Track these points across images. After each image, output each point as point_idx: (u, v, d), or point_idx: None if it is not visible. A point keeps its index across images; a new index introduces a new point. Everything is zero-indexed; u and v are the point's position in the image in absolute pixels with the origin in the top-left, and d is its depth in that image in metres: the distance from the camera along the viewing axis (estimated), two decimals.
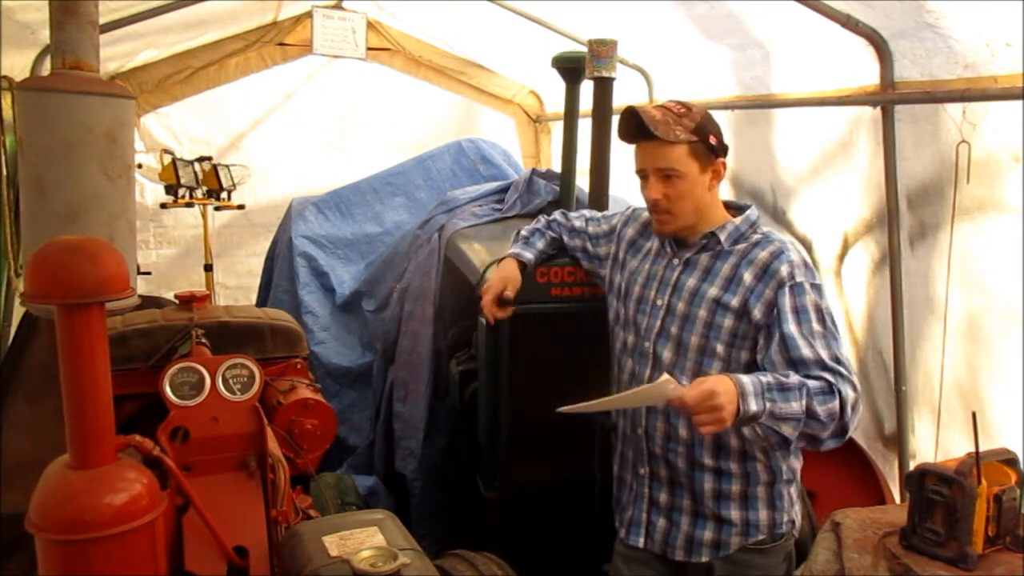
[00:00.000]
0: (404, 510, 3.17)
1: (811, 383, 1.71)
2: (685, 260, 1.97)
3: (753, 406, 1.65)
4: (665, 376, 1.69)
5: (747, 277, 1.87)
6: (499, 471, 2.57)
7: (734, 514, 1.94)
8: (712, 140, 1.89)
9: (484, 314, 2.23)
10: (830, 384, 1.72)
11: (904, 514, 1.85)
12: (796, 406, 1.68)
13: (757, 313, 1.84)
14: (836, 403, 1.71)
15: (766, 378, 1.70)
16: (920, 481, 1.80)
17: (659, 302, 1.98)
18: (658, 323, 1.97)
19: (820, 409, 1.69)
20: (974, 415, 1.78)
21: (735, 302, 1.86)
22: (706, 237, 1.95)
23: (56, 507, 1.35)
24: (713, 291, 1.90)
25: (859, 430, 3.10)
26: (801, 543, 2.38)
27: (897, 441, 2.90)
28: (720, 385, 1.64)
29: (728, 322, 1.87)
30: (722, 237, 1.93)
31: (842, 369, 1.75)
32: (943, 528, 1.75)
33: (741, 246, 1.92)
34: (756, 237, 1.93)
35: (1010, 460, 1.83)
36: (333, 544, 1.56)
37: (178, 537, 1.73)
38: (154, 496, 1.44)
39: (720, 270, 1.91)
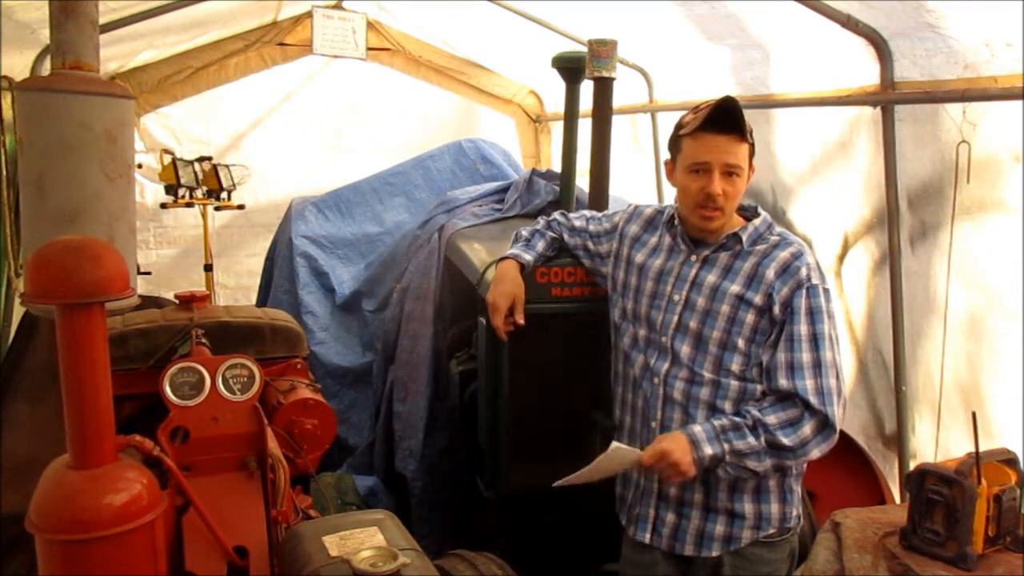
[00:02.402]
0: (404, 510, 3.17)
1: (771, 419, 1.83)
2: (703, 257, 1.99)
3: (708, 450, 1.82)
4: (614, 443, 1.89)
5: (770, 274, 1.90)
6: (499, 471, 2.57)
7: (747, 507, 1.97)
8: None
9: (495, 329, 2.24)
10: (800, 414, 1.83)
11: (904, 514, 1.85)
12: (753, 441, 1.82)
13: (776, 309, 1.88)
14: (807, 427, 1.83)
15: (720, 422, 1.85)
16: (920, 481, 1.80)
17: (676, 297, 1.99)
18: (675, 318, 1.98)
19: (787, 440, 1.82)
20: (974, 415, 1.79)
21: (758, 299, 1.90)
22: (727, 237, 1.97)
23: (56, 507, 1.35)
24: (735, 288, 1.92)
25: (859, 430, 3.10)
26: (801, 543, 2.38)
27: (897, 441, 2.90)
28: (673, 443, 1.83)
29: (750, 318, 1.90)
30: (743, 237, 1.95)
31: (831, 378, 1.86)
32: (943, 528, 1.75)
33: (761, 246, 1.95)
34: (774, 238, 1.97)
35: (1010, 460, 1.83)
36: (333, 544, 1.55)
37: (178, 537, 1.73)
38: (154, 496, 1.44)
39: (741, 268, 1.94)
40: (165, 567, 1.52)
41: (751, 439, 1.82)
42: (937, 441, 2.73)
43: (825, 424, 1.83)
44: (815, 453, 1.85)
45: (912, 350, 2.81)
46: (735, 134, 1.87)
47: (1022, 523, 1.81)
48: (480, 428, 2.65)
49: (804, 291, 1.87)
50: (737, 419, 1.85)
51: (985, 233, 2.45)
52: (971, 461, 1.75)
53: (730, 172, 1.89)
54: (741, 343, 1.91)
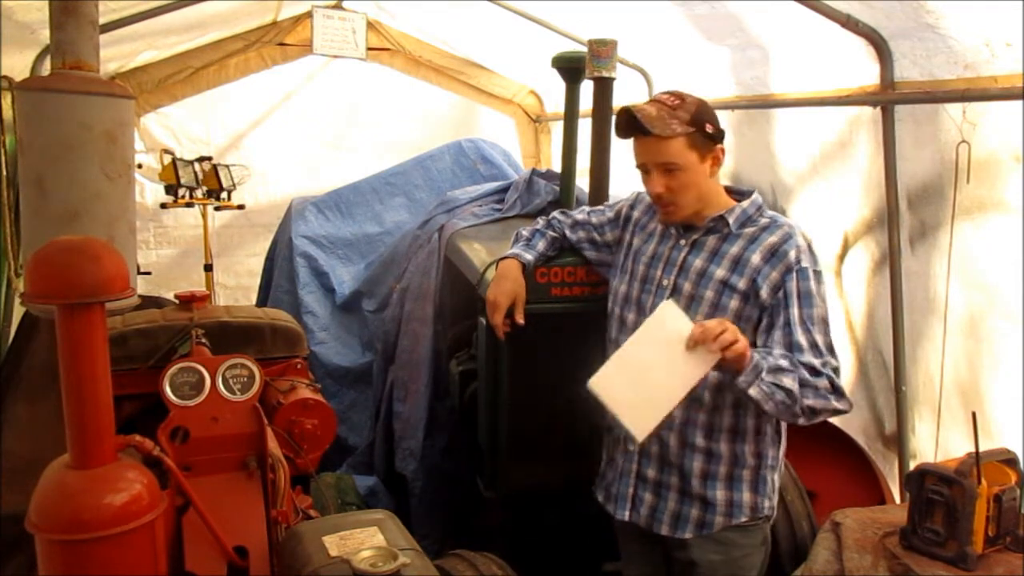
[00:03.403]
0: (404, 510, 3.17)
1: (801, 359, 1.84)
2: (692, 241, 2.01)
3: (755, 355, 1.78)
4: (669, 302, 1.81)
5: (755, 259, 1.91)
6: (499, 471, 2.57)
7: (719, 495, 1.99)
8: (708, 128, 1.92)
9: (494, 327, 2.25)
10: (814, 368, 1.84)
11: (904, 514, 1.85)
12: (789, 364, 1.81)
13: (764, 294, 1.89)
14: (824, 380, 1.84)
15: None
16: (920, 481, 1.80)
17: (665, 282, 2.01)
18: None
19: (814, 381, 1.82)
20: (974, 415, 1.79)
21: (742, 284, 1.91)
22: (714, 220, 1.98)
23: (56, 507, 1.35)
24: (720, 272, 1.94)
25: (859, 430, 3.10)
26: (801, 543, 2.38)
27: (897, 441, 2.90)
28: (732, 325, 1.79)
29: (735, 303, 1.92)
30: (730, 220, 1.96)
31: (831, 359, 1.87)
32: (943, 528, 1.75)
33: (749, 229, 1.96)
34: (764, 221, 1.97)
35: (1010, 460, 1.83)
36: (333, 544, 1.56)
37: (178, 537, 1.74)
38: (154, 496, 1.44)
39: (727, 252, 1.95)
40: (165, 567, 1.52)
41: (786, 361, 1.81)
42: (937, 441, 2.72)
43: (835, 388, 1.84)
44: (835, 403, 1.84)
45: (912, 350, 2.81)
46: (650, 136, 1.89)
47: (1022, 523, 1.81)
48: (480, 428, 2.65)
49: (794, 274, 1.88)
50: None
51: (985, 233, 2.45)
52: (971, 461, 1.75)
53: (667, 169, 1.92)
54: None
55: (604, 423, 2.21)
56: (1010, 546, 1.79)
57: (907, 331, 2.81)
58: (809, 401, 1.82)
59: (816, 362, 1.84)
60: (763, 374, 1.78)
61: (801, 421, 1.90)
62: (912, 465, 2.73)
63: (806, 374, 1.81)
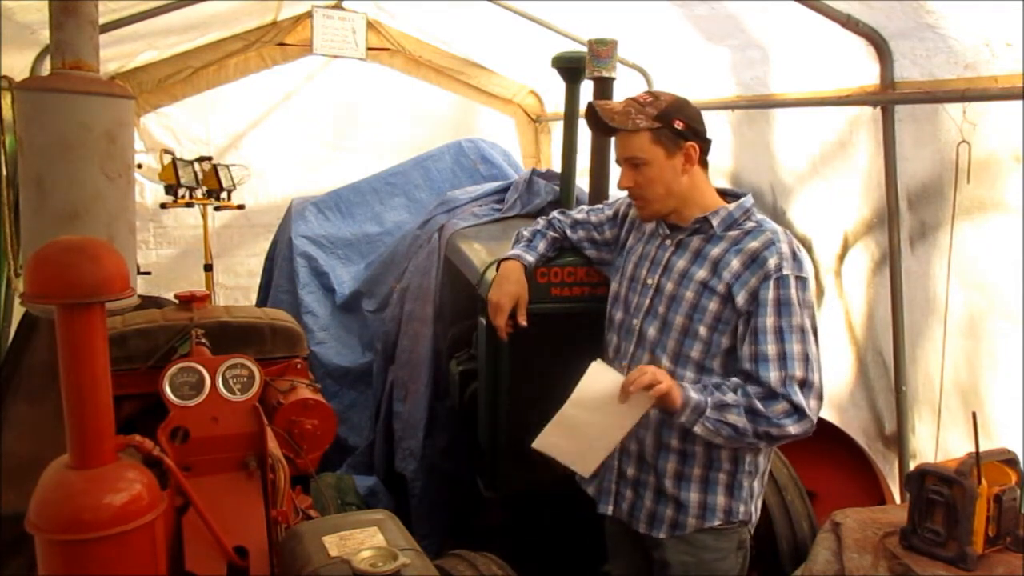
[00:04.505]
0: (404, 510, 3.17)
1: (751, 388, 1.82)
2: (677, 241, 2.01)
3: (693, 394, 1.81)
4: (597, 361, 1.88)
5: (735, 263, 1.90)
6: (499, 471, 2.57)
7: (692, 496, 1.99)
8: (678, 124, 1.91)
9: (497, 329, 2.26)
10: (774, 393, 1.80)
11: (904, 514, 1.85)
12: (736, 396, 1.81)
13: (740, 300, 1.87)
14: (780, 405, 1.80)
15: (703, 381, 1.90)
16: (920, 481, 1.80)
17: (649, 281, 2.02)
18: (647, 302, 2.01)
19: (764, 409, 1.80)
20: (974, 415, 1.79)
21: (720, 287, 1.90)
22: (699, 221, 1.98)
23: (56, 507, 1.35)
24: (701, 274, 1.94)
25: (859, 430, 3.10)
26: (801, 543, 2.38)
27: (897, 441, 2.90)
28: (656, 369, 1.84)
29: (713, 305, 1.91)
30: (714, 222, 1.96)
31: (800, 371, 1.81)
32: (943, 528, 1.75)
33: (733, 232, 1.95)
34: (749, 225, 1.95)
35: (1010, 460, 1.84)
36: (333, 544, 1.56)
37: (178, 537, 1.74)
38: (154, 496, 1.44)
39: (709, 254, 1.95)
40: (165, 567, 1.52)
41: (732, 395, 1.82)
42: (937, 441, 2.72)
43: (795, 409, 1.80)
44: (791, 429, 1.81)
45: (912, 350, 2.81)
46: (620, 132, 1.93)
47: (1022, 523, 1.81)
48: (480, 428, 2.65)
49: (772, 282, 1.84)
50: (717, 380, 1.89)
51: (985, 233, 2.45)
52: (971, 461, 1.75)
53: (634, 163, 1.95)
54: (703, 330, 1.92)
55: None
56: (1010, 546, 1.79)
57: (907, 331, 2.81)
58: (763, 428, 1.81)
59: (775, 379, 1.79)
60: (707, 412, 1.80)
61: (762, 446, 1.92)
62: (912, 465, 2.73)
63: (756, 403, 1.79)
